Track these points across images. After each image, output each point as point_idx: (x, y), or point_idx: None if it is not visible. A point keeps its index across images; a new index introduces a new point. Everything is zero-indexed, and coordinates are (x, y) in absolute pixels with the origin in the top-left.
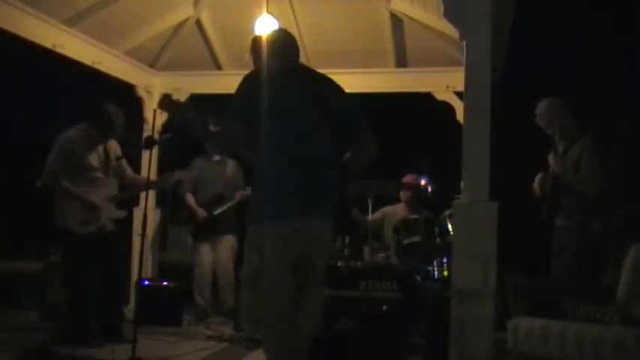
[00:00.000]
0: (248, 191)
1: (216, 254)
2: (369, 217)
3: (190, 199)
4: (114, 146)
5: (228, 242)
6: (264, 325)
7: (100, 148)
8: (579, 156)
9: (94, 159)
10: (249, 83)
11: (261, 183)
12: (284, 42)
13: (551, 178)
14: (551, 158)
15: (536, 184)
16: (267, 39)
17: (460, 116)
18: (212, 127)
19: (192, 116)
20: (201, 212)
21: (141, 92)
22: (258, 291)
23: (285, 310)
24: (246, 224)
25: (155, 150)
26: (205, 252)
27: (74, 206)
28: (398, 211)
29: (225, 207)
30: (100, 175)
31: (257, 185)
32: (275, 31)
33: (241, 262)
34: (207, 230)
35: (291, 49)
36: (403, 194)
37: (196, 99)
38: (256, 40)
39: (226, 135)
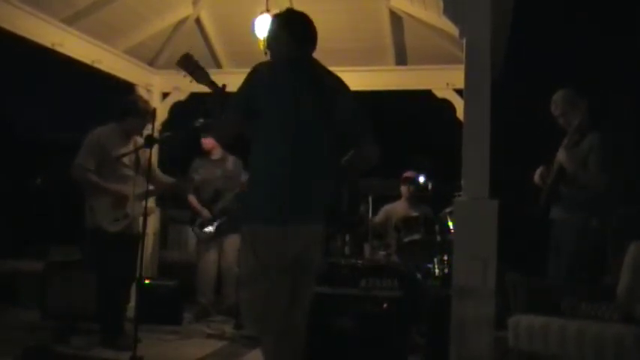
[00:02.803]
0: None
1: (222, 254)
2: (371, 216)
3: (193, 200)
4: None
5: (235, 241)
6: (262, 323)
7: (132, 146)
8: (587, 152)
9: (125, 156)
10: (258, 76)
11: (256, 181)
12: (305, 27)
13: (556, 170)
14: (560, 152)
15: (537, 176)
16: (297, 20)
17: (460, 114)
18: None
19: (206, 81)
20: (206, 212)
21: (141, 91)
22: (255, 290)
23: (282, 308)
24: (240, 222)
25: (155, 148)
26: (210, 251)
27: (104, 203)
28: (399, 207)
29: (224, 201)
30: (130, 172)
31: (253, 183)
32: (294, 13)
33: None
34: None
35: (312, 36)
36: (405, 189)
37: (196, 98)
38: (278, 22)
39: (225, 125)
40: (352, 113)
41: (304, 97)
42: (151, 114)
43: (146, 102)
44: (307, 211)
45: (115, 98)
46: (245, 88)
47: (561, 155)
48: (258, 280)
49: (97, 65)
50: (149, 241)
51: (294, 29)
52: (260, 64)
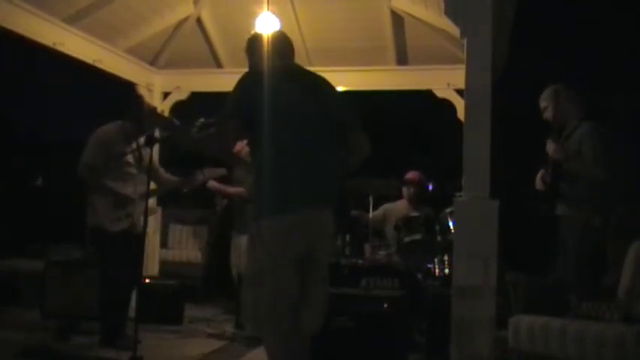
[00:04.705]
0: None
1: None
2: (371, 214)
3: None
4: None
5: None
6: (267, 322)
7: (135, 145)
8: (579, 143)
9: (129, 155)
10: (247, 84)
11: (263, 180)
12: (283, 43)
13: (551, 167)
14: (549, 145)
15: (538, 179)
16: (268, 39)
17: (461, 114)
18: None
19: (174, 127)
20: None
21: (141, 90)
22: (260, 290)
23: (289, 307)
24: (250, 221)
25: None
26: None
27: (106, 203)
28: (399, 207)
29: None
30: (133, 171)
31: (259, 182)
32: (274, 32)
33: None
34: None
35: (290, 51)
36: (406, 190)
37: (197, 97)
38: (254, 40)
39: (223, 131)
40: (343, 108)
41: (300, 95)
42: (150, 120)
43: (147, 108)
44: (317, 198)
45: (118, 98)
46: (239, 96)
47: (549, 146)
48: (265, 279)
49: (97, 65)
50: (149, 241)
51: (273, 49)
52: (247, 73)
